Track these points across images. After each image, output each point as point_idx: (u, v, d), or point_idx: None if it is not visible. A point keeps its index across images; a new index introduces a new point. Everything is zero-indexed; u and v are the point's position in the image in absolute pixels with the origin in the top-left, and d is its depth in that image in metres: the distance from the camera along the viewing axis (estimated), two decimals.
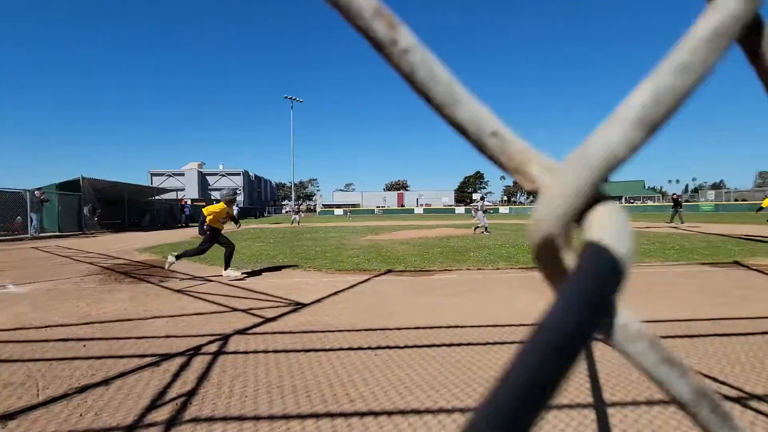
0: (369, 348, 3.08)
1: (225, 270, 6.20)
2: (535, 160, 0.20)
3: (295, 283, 5.83)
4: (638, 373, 2.09)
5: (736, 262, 6.88)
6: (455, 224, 22.62)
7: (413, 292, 5.06)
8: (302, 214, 34.45)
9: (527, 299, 4.53)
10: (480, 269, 6.71)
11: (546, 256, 0.19)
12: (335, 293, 5.02)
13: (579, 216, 0.19)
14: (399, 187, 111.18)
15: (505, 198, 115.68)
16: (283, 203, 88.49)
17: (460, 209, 62.58)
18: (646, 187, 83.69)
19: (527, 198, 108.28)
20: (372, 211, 64.92)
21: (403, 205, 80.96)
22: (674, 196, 20.09)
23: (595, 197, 0.18)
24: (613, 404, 2.18)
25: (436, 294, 4.90)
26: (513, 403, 0.15)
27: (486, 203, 16.04)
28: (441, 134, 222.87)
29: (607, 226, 0.18)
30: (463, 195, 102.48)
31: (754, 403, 2.15)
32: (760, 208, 15.30)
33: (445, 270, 6.67)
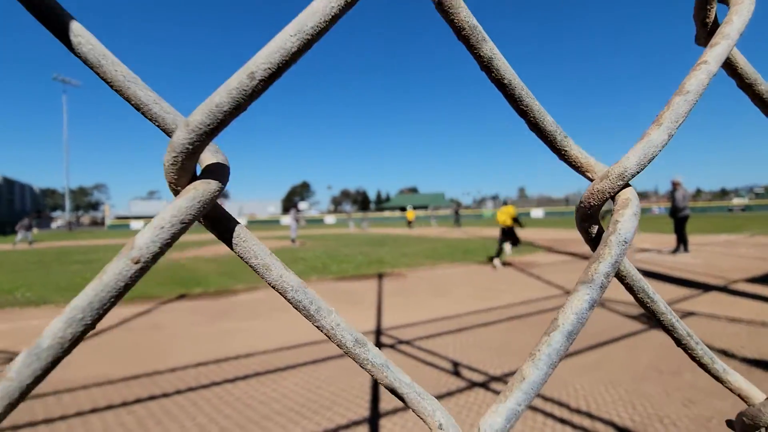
0: (122, 405, 2.54)
1: None
2: (592, 162, 0.23)
3: (31, 327, 4.40)
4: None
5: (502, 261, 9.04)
6: (277, 236, 22.16)
7: (207, 319, 4.55)
8: (33, 231, 25.84)
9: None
10: None
11: (587, 222, 0.23)
12: (92, 335, 4.04)
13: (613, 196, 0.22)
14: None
15: (332, 207, 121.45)
16: (52, 214, 67.67)
17: (287, 220, 61.87)
18: (446, 198, 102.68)
19: (352, 207, 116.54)
20: None
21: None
22: (455, 207, 26.05)
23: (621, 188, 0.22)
24: (387, 413, 2.36)
25: (234, 319, 4.56)
26: None
27: (299, 213, 16.22)
28: (265, 143, 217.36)
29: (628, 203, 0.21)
30: (290, 204, 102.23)
31: (494, 384, 2.68)
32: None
33: (252, 288, 6.32)
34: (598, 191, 0.20)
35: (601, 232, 0.21)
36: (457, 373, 2.91)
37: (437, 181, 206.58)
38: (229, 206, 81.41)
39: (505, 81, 0.19)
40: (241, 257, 0.18)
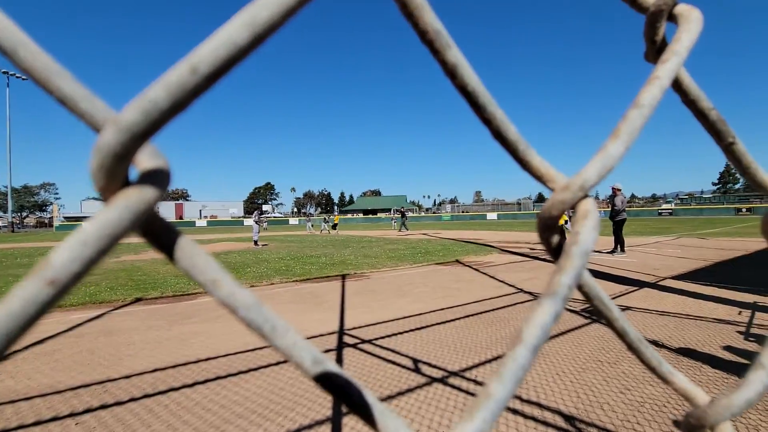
0: (70, 415, 2.37)
1: None
2: (553, 173, 0.23)
3: None
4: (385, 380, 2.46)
5: (457, 261, 9.35)
6: (239, 237, 21.42)
7: (165, 323, 4.33)
8: None
9: (291, 314, 4.65)
10: (252, 286, 6.49)
11: (548, 232, 0.23)
12: (38, 342, 3.71)
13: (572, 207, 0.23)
14: (177, 196, 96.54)
15: (295, 209, 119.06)
16: None
17: (249, 221, 60.01)
18: (408, 201, 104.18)
19: (316, 210, 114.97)
20: None
21: (182, 217, 70.71)
22: (401, 209, 26.52)
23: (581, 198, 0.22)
24: (350, 412, 2.41)
25: (194, 321, 4.37)
26: None
27: (262, 216, 15.92)
28: (228, 142, 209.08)
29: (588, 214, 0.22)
30: (252, 206, 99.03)
31: (452, 380, 2.77)
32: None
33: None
34: (559, 202, 0.20)
35: (562, 242, 0.22)
36: (417, 370, 2.96)
37: (399, 184, 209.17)
38: (190, 208, 77.12)
39: (469, 89, 0.19)
40: (187, 273, 0.16)
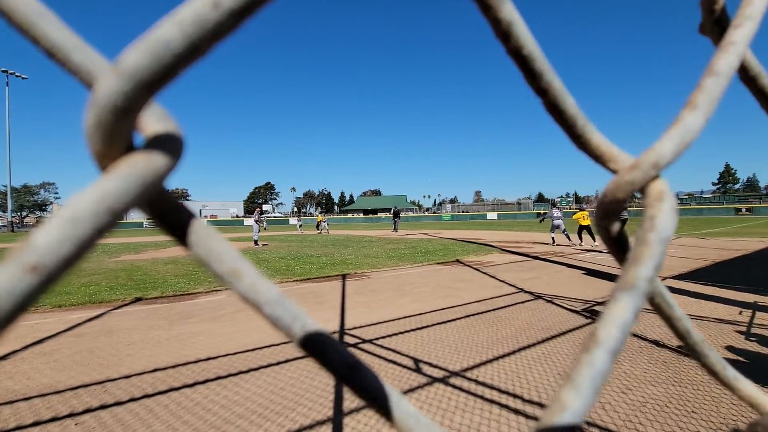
0: (69, 415, 2.35)
1: None
2: (615, 152, 0.21)
3: None
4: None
5: (458, 260, 9.33)
6: (240, 237, 21.41)
7: (165, 323, 4.31)
8: None
9: None
10: None
11: (609, 219, 0.21)
12: (37, 342, 3.69)
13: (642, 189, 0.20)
14: (177, 196, 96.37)
15: (296, 209, 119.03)
16: None
17: (249, 221, 60.02)
18: (408, 201, 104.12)
19: (316, 210, 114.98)
20: (141, 224, 53.51)
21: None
22: (395, 209, 26.47)
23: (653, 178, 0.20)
24: (351, 412, 2.35)
25: (193, 321, 4.35)
26: None
27: (262, 215, 16.11)
28: (228, 141, 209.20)
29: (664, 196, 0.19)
30: (253, 206, 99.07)
31: (453, 380, 2.75)
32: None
33: (213, 291, 6.07)
34: (627, 183, 0.18)
35: (623, 230, 0.20)
36: (418, 370, 2.94)
37: (400, 184, 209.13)
38: (190, 207, 76.93)
39: (525, 52, 0.16)
40: (202, 262, 0.13)
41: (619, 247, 0.20)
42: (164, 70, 0.10)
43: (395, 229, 24.88)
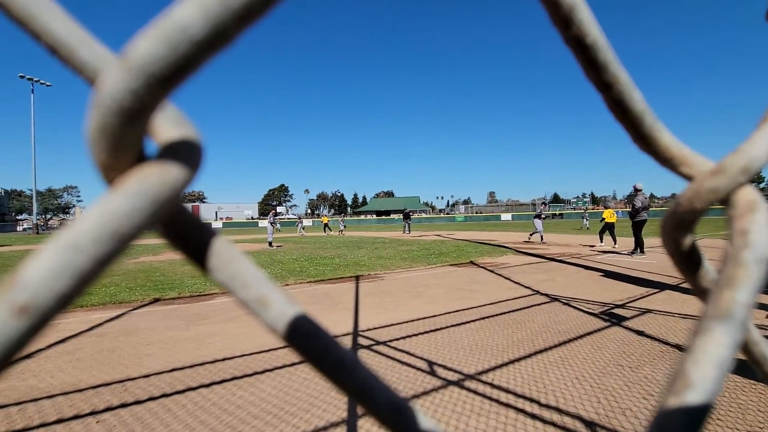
0: (91, 413, 2.40)
1: None
2: (689, 155, 0.20)
3: None
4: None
5: (471, 262, 9.23)
6: (255, 239, 21.69)
7: (182, 323, 4.38)
8: None
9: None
10: None
11: (681, 231, 0.19)
12: (60, 341, 3.80)
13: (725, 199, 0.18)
14: (194, 198, 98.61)
15: (309, 211, 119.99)
16: (18, 218, 63.50)
17: (264, 222, 60.88)
18: (421, 202, 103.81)
19: (329, 211, 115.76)
20: None
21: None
22: (406, 211, 26.35)
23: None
24: (365, 414, 2.39)
25: (210, 321, 4.41)
26: None
27: (276, 217, 16.60)
28: (242, 143, 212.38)
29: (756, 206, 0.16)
30: (267, 208, 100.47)
31: (468, 383, 2.71)
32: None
33: (228, 292, 6.15)
34: (709, 190, 0.15)
35: (695, 245, 0.17)
36: (432, 372, 2.91)
37: (412, 185, 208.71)
38: (206, 210, 78.25)
39: (588, 41, 0.14)
40: (224, 286, 0.12)
41: (691, 263, 0.17)
42: (182, 62, 0.08)
43: (408, 231, 24.83)
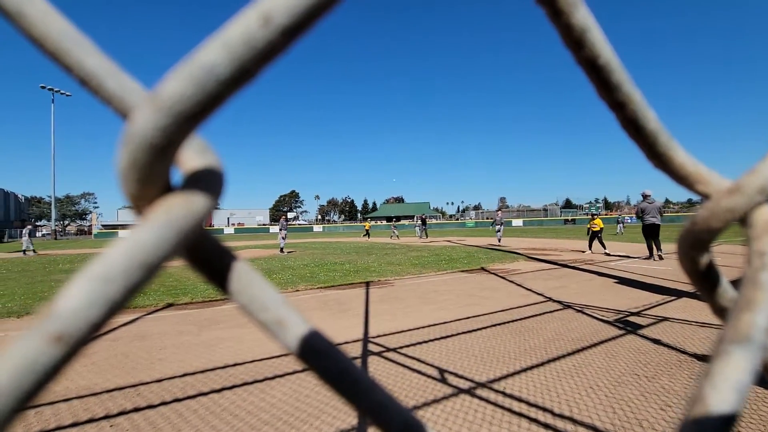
0: (105, 417, 2.44)
1: None
2: (704, 173, 0.20)
3: (11, 339, 4.21)
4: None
5: (482, 268, 9.15)
6: (266, 244, 21.90)
7: (195, 328, 4.43)
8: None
9: (316, 320, 4.65)
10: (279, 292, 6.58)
11: (698, 250, 0.19)
12: None
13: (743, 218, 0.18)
14: None
15: (319, 217, 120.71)
16: (38, 224, 65.49)
17: (275, 228, 61.38)
18: (431, 208, 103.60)
19: (339, 217, 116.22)
20: None
21: (211, 225, 73.11)
22: (422, 216, 26.20)
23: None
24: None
25: (221, 327, 4.45)
26: None
27: (286, 223, 17.04)
28: (254, 149, 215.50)
29: None
30: (278, 214, 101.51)
31: (479, 391, 2.67)
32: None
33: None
34: (726, 210, 0.15)
35: (712, 264, 0.17)
36: (443, 380, 2.88)
37: (422, 191, 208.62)
38: (218, 215, 79.61)
39: (601, 62, 0.14)
40: (243, 309, 0.12)
41: (708, 282, 0.17)
42: (208, 100, 0.09)
43: (425, 236, 24.79)
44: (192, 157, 0.11)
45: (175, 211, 0.09)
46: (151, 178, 0.09)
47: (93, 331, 0.08)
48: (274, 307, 0.12)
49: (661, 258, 9.60)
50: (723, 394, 0.12)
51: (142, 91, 0.11)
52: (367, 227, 29.78)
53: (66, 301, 0.08)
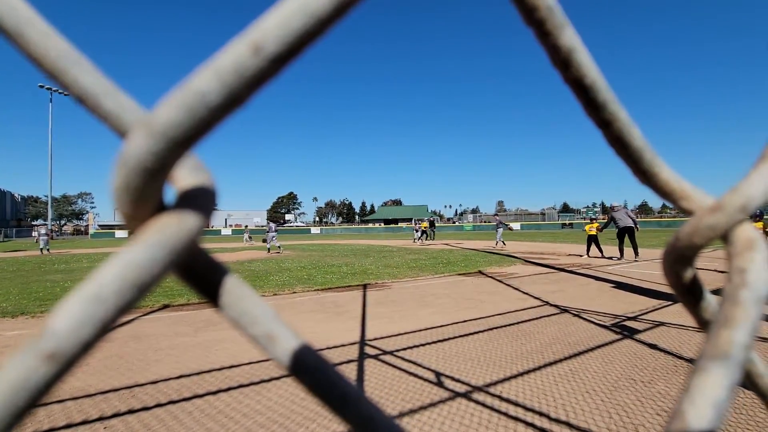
0: (99, 419, 2.42)
1: None
2: (689, 190, 0.20)
3: (5, 338, 4.19)
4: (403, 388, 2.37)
5: (480, 271, 9.15)
6: (263, 246, 21.84)
7: (191, 330, 4.41)
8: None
9: (312, 322, 4.64)
10: (275, 294, 6.55)
11: (681, 265, 0.19)
12: None
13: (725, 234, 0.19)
14: None
15: (317, 219, 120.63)
16: (34, 223, 65.32)
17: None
18: (429, 211, 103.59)
19: (337, 219, 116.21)
20: None
21: (209, 226, 73.26)
22: (430, 219, 26.42)
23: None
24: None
25: (217, 329, 4.43)
26: None
27: (273, 225, 17.25)
28: (251, 151, 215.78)
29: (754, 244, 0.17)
30: (276, 215, 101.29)
31: (476, 395, 2.67)
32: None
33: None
34: (707, 227, 0.15)
35: (696, 278, 0.17)
36: (439, 383, 2.87)
37: (420, 194, 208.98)
38: (216, 216, 79.52)
39: (587, 82, 0.14)
40: (234, 323, 0.12)
41: (692, 296, 0.17)
42: (199, 125, 0.09)
43: (432, 238, 25.00)
44: (185, 175, 0.11)
45: (168, 230, 0.09)
46: (145, 199, 0.09)
47: (85, 350, 0.08)
48: (265, 322, 0.12)
49: (634, 261, 10.50)
50: (701, 410, 0.12)
51: (139, 110, 0.12)
52: (424, 227, 25.72)
53: (58, 321, 0.08)
